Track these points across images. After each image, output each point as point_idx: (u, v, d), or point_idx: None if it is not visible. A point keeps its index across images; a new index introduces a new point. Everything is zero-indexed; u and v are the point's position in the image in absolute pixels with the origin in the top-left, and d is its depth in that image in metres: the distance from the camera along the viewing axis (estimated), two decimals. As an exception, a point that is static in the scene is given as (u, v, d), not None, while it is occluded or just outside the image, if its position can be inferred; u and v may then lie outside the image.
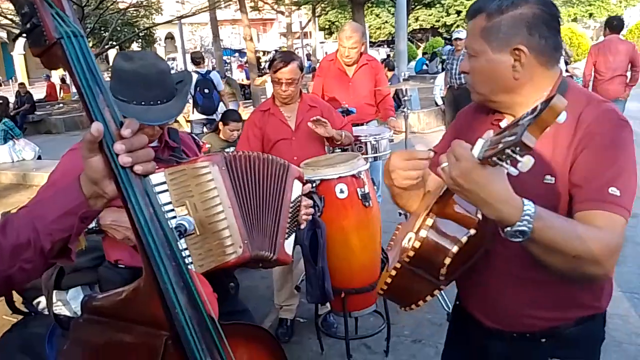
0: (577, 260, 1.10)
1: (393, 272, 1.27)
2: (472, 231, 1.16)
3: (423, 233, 1.19)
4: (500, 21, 1.24)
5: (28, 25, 0.93)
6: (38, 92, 19.19)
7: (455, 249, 1.16)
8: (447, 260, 1.18)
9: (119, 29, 17.58)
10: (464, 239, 1.16)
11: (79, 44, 0.93)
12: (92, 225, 1.75)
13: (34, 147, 9.51)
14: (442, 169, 1.06)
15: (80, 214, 0.98)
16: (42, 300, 2.32)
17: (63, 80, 20.99)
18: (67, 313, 2.31)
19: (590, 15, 32.18)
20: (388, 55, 20.79)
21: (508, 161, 0.91)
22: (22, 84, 16.60)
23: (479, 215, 1.17)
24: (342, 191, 2.74)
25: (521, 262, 1.26)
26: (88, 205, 0.98)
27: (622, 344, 3.03)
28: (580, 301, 1.36)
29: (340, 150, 3.40)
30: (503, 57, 1.25)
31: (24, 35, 0.95)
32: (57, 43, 0.92)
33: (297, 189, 1.81)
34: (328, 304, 3.10)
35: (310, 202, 1.95)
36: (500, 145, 0.91)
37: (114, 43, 16.39)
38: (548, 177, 1.24)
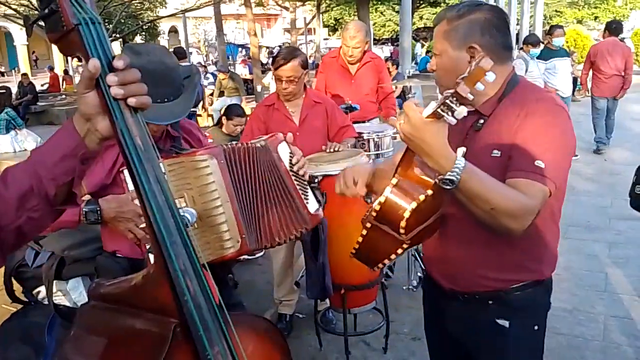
0: (494, 212, 1.32)
1: (364, 232, 1.47)
2: (429, 192, 1.33)
3: (387, 190, 1.39)
4: (458, 25, 1.50)
5: (46, 11, 0.93)
6: (41, 83, 19.17)
7: (413, 204, 1.34)
8: (407, 214, 1.35)
9: (122, 21, 17.51)
10: (422, 197, 1.34)
11: (96, 30, 0.93)
12: (95, 217, 1.74)
13: (36, 138, 9.52)
14: (399, 125, 1.30)
15: (79, 155, 0.98)
16: (42, 290, 2.31)
17: (66, 72, 20.98)
18: (67, 303, 2.30)
19: (596, 17, 32.11)
20: (391, 53, 20.76)
21: (449, 112, 1.16)
22: (24, 74, 16.59)
23: (437, 180, 1.35)
24: (344, 187, 2.74)
25: (469, 223, 1.43)
26: (85, 146, 0.98)
27: (621, 346, 3.03)
28: (522, 264, 1.54)
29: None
30: (461, 54, 1.49)
31: (42, 20, 0.95)
32: (75, 29, 0.92)
33: (285, 152, 1.76)
34: (327, 300, 3.10)
35: (299, 153, 1.84)
36: (443, 99, 1.17)
37: (118, 35, 16.35)
38: (495, 151, 1.46)
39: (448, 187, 1.29)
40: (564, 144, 1.44)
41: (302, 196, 1.72)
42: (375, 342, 3.17)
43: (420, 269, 3.81)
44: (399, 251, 1.47)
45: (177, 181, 1.53)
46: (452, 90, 1.14)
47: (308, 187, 1.80)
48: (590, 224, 4.89)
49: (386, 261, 1.49)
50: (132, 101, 0.92)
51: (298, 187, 1.73)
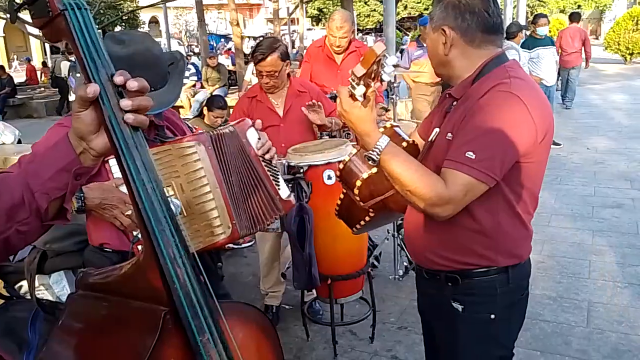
0: (409, 195, 1.42)
1: (341, 195, 1.69)
2: (374, 170, 1.48)
3: (347, 158, 1.57)
4: (437, 9, 1.56)
5: None
6: (17, 75, 18.81)
7: (365, 175, 1.52)
8: (358, 183, 1.54)
9: (102, 12, 17.26)
10: (374, 170, 1.50)
11: (82, 16, 0.92)
12: (79, 204, 1.71)
13: (14, 131, 9.31)
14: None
15: (74, 171, 0.97)
16: (24, 284, 2.27)
17: (44, 64, 20.60)
18: (50, 297, 2.26)
19: (579, 7, 32.40)
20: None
21: (354, 92, 1.37)
22: (1, 66, 16.25)
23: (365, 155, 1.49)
24: (329, 177, 2.73)
25: None
26: (80, 161, 0.97)
27: (605, 332, 3.07)
28: (473, 249, 1.55)
29: (328, 136, 3.38)
30: (436, 36, 1.56)
31: (28, 5, 0.94)
32: (61, 14, 0.91)
33: (253, 137, 1.69)
34: (314, 291, 3.09)
35: (265, 137, 1.74)
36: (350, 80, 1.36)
37: (97, 26, 16.10)
38: (449, 134, 1.50)
39: (371, 163, 1.45)
40: (506, 137, 1.39)
41: (274, 182, 1.67)
42: (362, 331, 3.18)
43: (407, 259, 3.82)
44: (367, 218, 1.67)
45: (164, 169, 1.51)
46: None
47: (278, 172, 1.76)
48: (573, 213, 4.94)
49: (362, 222, 1.69)
50: (129, 118, 0.91)
51: (269, 173, 1.69)
